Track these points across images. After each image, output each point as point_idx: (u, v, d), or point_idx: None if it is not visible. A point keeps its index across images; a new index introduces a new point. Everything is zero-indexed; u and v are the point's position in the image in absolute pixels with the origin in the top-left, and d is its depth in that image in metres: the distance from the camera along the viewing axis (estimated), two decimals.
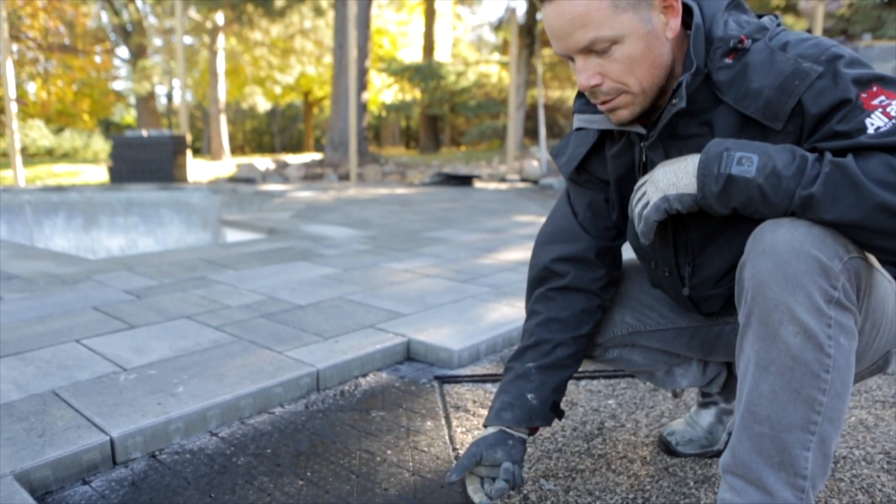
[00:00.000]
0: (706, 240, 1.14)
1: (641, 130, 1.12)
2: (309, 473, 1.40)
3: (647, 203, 1.05)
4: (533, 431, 1.28)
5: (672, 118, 1.06)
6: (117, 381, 1.77)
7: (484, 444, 1.21)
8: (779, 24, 1.07)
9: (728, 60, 1.02)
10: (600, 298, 1.29)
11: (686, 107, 1.04)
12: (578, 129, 1.23)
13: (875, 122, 0.90)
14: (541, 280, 1.32)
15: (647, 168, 1.15)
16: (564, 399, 1.72)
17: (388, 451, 1.50)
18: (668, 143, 1.10)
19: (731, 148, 0.95)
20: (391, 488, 1.34)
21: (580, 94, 1.20)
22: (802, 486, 0.92)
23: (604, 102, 1.06)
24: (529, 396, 1.23)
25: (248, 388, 1.72)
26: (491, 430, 1.24)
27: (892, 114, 0.90)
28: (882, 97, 0.91)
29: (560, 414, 1.29)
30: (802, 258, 0.89)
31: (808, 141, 0.97)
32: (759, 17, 1.11)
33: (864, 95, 0.92)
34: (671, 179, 1.02)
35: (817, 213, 0.89)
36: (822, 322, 0.89)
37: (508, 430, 1.23)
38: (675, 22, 1.03)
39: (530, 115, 16.91)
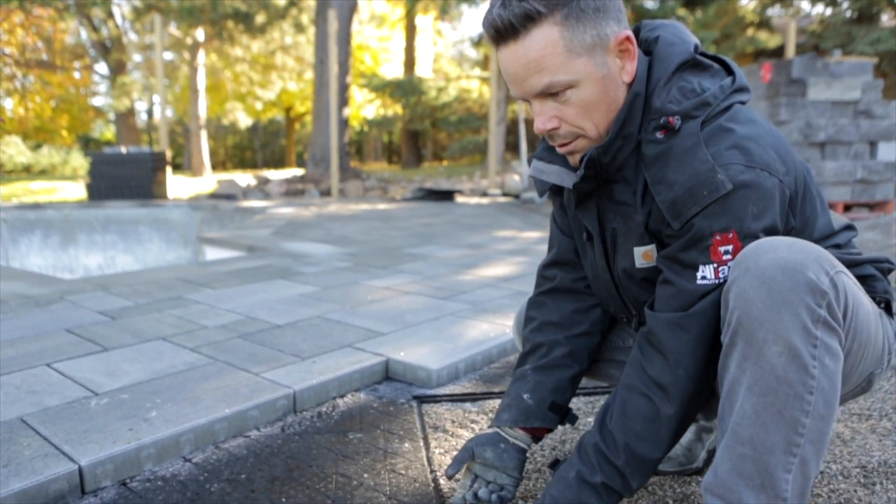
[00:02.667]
0: (645, 294, 1.16)
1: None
2: (284, 499, 1.38)
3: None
4: (538, 437, 1.28)
5: (609, 182, 1.11)
6: (88, 406, 1.73)
7: (476, 441, 1.25)
8: (735, 91, 1.05)
9: (659, 135, 1.02)
10: (591, 297, 1.31)
11: (622, 173, 1.08)
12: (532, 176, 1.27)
13: (705, 273, 0.99)
14: (536, 287, 1.38)
15: (586, 227, 1.19)
16: None
17: (365, 475, 1.48)
18: (606, 204, 1.14)
19: None
20: None
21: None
22: None
23: (562, 145, 1.08)
24: (525, 396, 1.25)
25: (223, 412, 1.69)
26: (489, 430, 1.28)
27: (721, 275, 0.98)
28: (730, 247, 0.97)
29: (566, 415, 1.29)
30: (788, 274, 0.88)
31: (661, 252, 1.06)
32: (722, 64, 1.09)
33: (718, 238, 0.97)
34: None
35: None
36: (808, 342, 0.88)
37: (504, 433, 1.25)
38: (632, 66, 1.03)
39: (511, 129, 17.03)
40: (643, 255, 1.11)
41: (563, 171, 1.16)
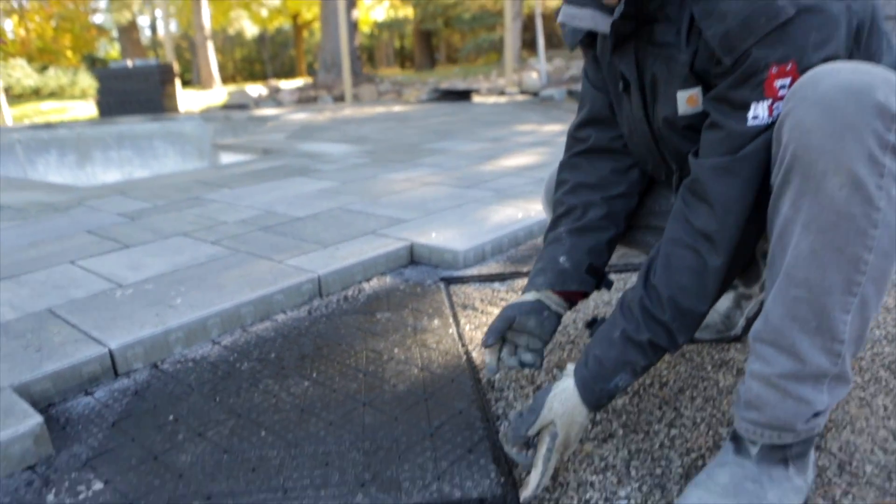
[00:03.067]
0: (688, 144, 1.05)
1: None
2: (315, 374, 1.37)
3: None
4: (574, 301, 1.22)
5: (650, 22, 0.99)
6: (113, 296, 1.72)
7: (519, 309, 1.18)
8: None
9: None
10: (628, 157, 1.22)
11: (665, 10, 0.96)
12: (561, 24, 1.13)
13: (757, 112, 0.89)
14: (567, 150, 1.29)
15: (623, 75, 1.08)
16: None
17: (396, 350, 1.46)
18: (646, 48, 1.02)
19: (602, 386, 0.99)
20: (400, 384, 1.31)
21: None
22: (839, 351, 0.85)
23: None
24: (561, 259, 1.19)
25: (248, 296, 1.67)
26: (528, 296, 1.20)
27: (775, 112, 0.88)
28: (787, 80, 0.86)
29: (602, 279, 1.23)
30: (854, 97, 0.77)
31: (708, 94, 0.95)
32: None
33: (774, 70, 0.86)
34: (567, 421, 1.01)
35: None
36: (874, 171, 0.77)
37: (545, 301, 1.19)
38: None
39: (528, 25, 16.26)
40: (687, 100, 1.00)
41: (598, 14, 1.04)
